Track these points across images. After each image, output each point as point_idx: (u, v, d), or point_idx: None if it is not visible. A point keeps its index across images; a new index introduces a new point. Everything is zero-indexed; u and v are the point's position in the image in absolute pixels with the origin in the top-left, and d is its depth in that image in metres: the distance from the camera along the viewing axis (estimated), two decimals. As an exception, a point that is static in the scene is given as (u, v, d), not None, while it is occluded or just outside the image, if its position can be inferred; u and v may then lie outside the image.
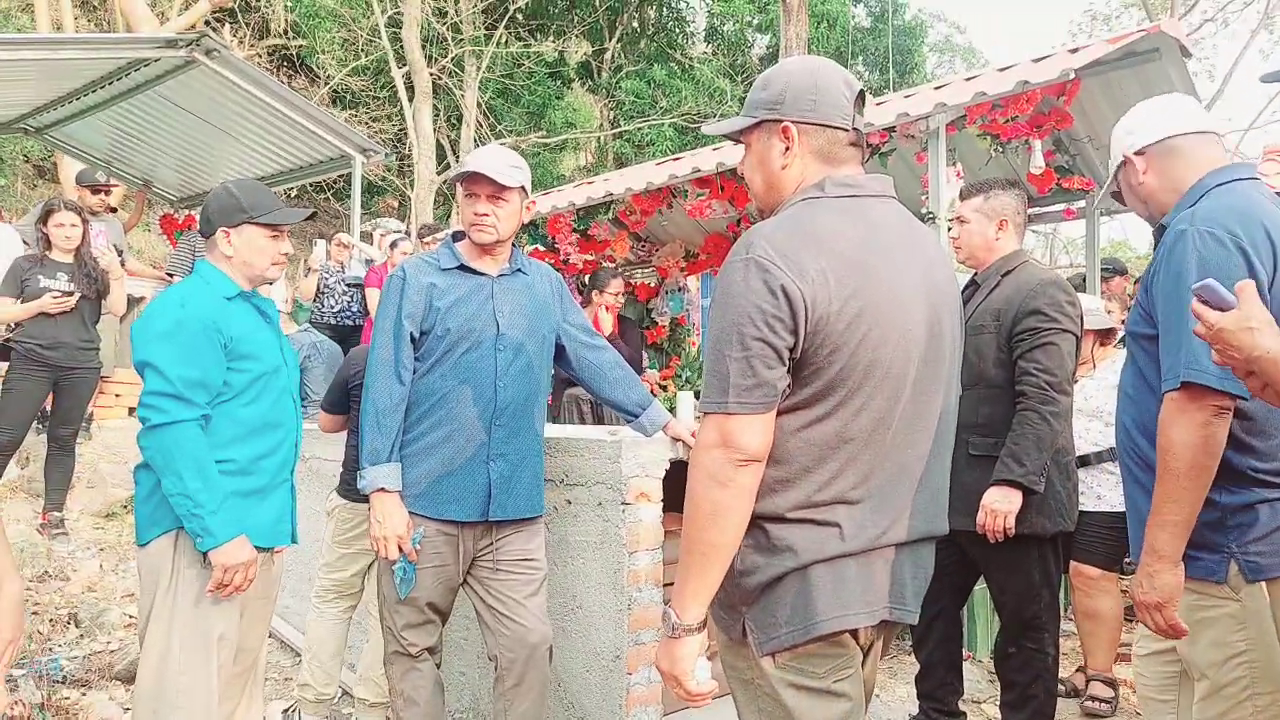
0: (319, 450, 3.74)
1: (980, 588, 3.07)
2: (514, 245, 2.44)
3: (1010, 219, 2.64)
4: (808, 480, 1.29)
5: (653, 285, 7.26)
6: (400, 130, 13.41)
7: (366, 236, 7.34)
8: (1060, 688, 2.92)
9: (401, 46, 12.52)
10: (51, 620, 3.86)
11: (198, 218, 2.43)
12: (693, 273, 6.97)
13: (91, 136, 7.33)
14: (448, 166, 13.47)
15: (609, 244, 6.32)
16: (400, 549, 2.21)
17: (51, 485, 4.75)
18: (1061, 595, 3.10)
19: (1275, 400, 1.28)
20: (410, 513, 2.23)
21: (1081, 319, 2.57)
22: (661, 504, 2.55)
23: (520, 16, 14.64)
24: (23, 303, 4.39)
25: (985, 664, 3.51)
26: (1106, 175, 1.88)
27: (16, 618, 1.51)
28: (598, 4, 15.07)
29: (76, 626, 3.84)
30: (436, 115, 13.38)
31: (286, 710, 3.19)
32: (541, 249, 6.37)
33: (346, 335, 5.92)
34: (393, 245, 5.90)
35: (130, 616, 3.92)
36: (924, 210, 4.03)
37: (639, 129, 14.34)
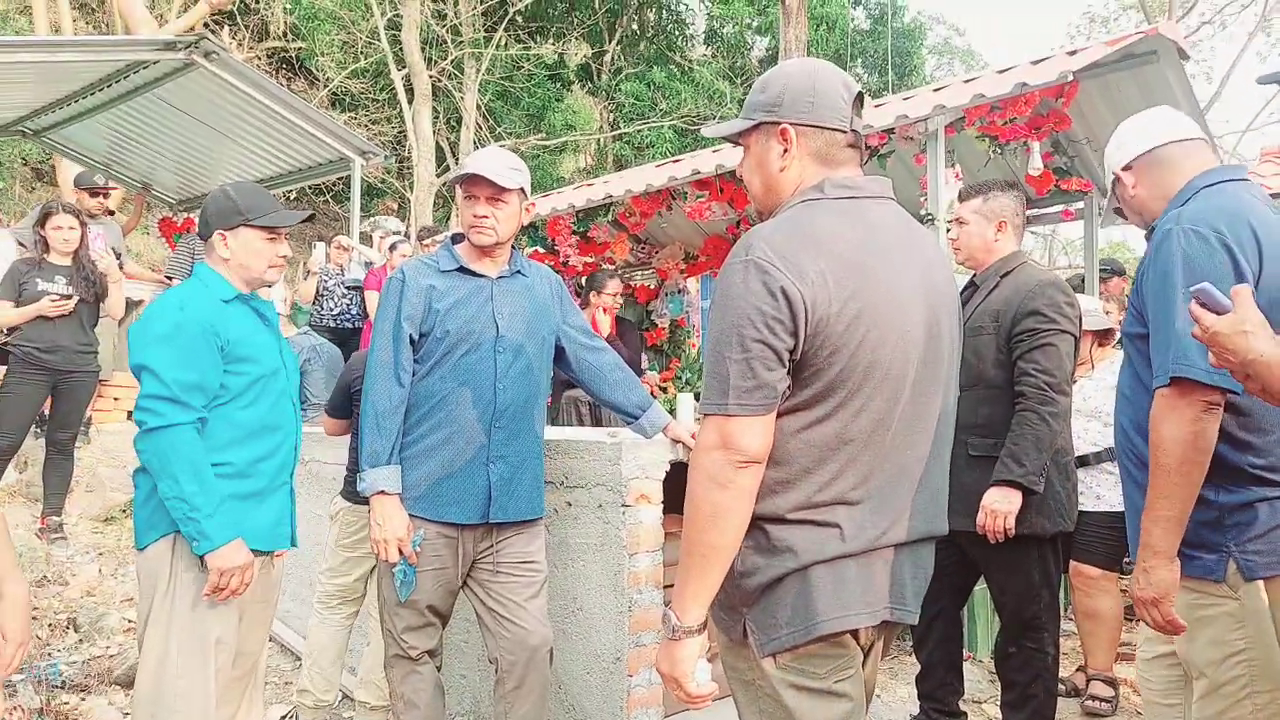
0: (318, 453, 3.74)
1: (980, 588, 3.07)
2: (513, 247, 2.44)
3: (1009, 220, 2.65)
4: (808, 481, 1.29)
5: (652, 287, 7.26)
6: (400, 133, 13.42)
7: (366, 238, 7.34)
8: (1060, 687, 2.92)
9: (401, 49, 12.52)
10: (50, 625, 3.85)
11: (196, 220, 2.43)
12: (692, 275, 6.97)
13: (90, 139, 7.32)
14: (447, 169, 13.47)
15: (608, 246, 6.32)
16: (400, 552, 2.20)
17: (50, 489, 4.74)
18: (1061, 595, 3.10)
19: (1272, 401, 1.29)
20: (410, 515, 2.23)
21: (1080, 320, 2.58)
22: (662, 506, 2.55)
23: (520, 19, 14.65)
24: (20, 306, 4.38)
25: (985, 664, 3.51)
26: (1104, 184, 1.91)
27: (24, 620, 1.51)
28: (597, 6, 15.09)
29: (75, 631, 3.83)
30: (436, 117, 13.38)
31: (285, 715, 3.19)
32: (541, 251, 6.37)
33: (346, 338, 5.92)
34: (392, 248, 5.90)
35: (129, 621, 3.92)
36: (923, 212, 4.04)
37: (638, 131, 14.35)
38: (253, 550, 2.15)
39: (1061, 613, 2.99)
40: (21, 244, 5.14)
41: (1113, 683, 3.21)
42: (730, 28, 15.91)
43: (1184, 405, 1.51)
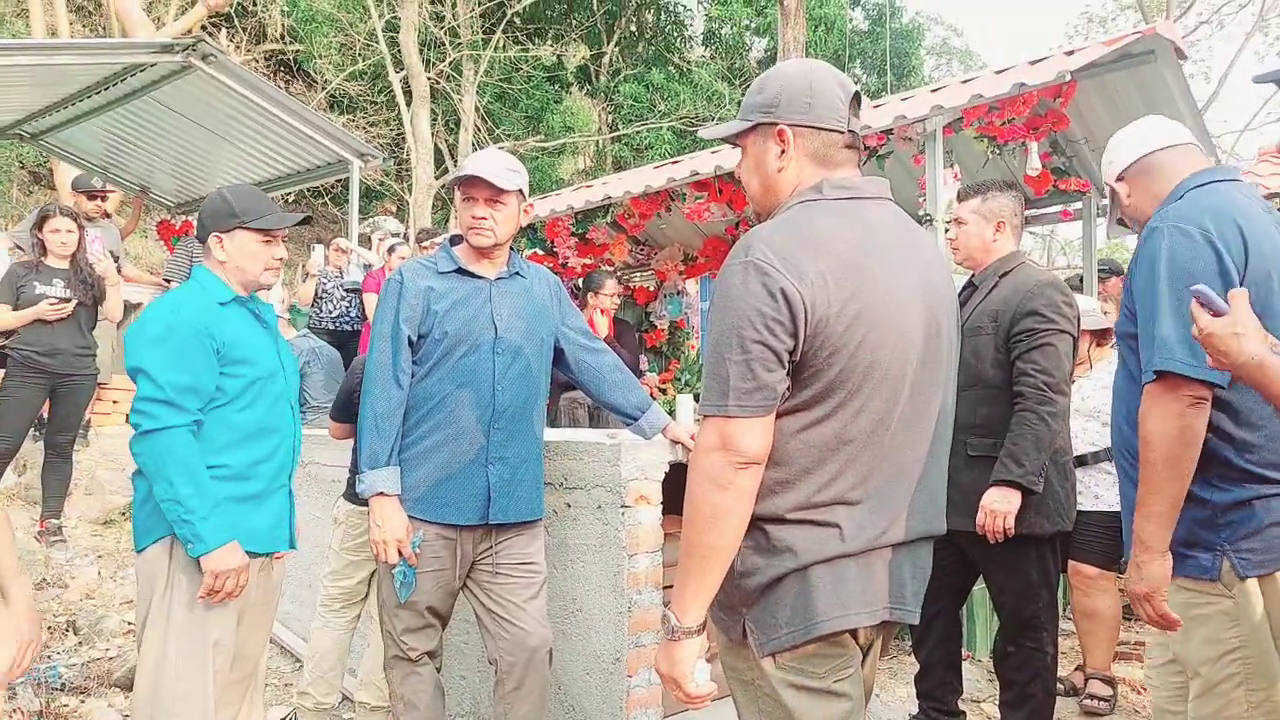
0: (318, 456, 3.74)
1: (979, 587, 3.08)
2: (512, 248, 2.45)
3: (1008, 220, 2.65)
4: (807, 481, 1.30)
5: (651, 289, 7.26)
6: (398, 135, 13.42)
7: (365, 240, 7.33)
8: (1059, 686, 2.92)
9: (399, 51, 12.52)
10: (50, 627, 3.85)
11: (194, 223, 2.43)
12: (691, 276, 6.97)
13: (87, 142, 7.32)
14: (446, 171, 13.48)
15: (607, 247, 6.32)
16: (400, 553, 2.20)
17: (49, 492, 4.73)
18: (1060, 594, 3.10)
19: (1267, 399, 1.30)
20: (409, 516, 2.23)
21: (1078, 320, 2.58)
22: (661, 506, 2.55)
23: (518, 20, 14.66)
24: (18, 309, 4.38)
25: (984, 663, 3.51)
26: (1102, 184, 1.94)
27: (33, 618, 1.51)
28: (595, 8, 15.09)
29: (75, 634, 3.83)
30: (434, 119, 13.38)
31: (285, 717, 3.18)
32: (540, 253, 6.37)
33: (345, 340, 5.92)
34: (390, 250, 5.90)
35: (129, 623, 3.91)
36: (921, 212, 4.04)
37: (637, 132, 14.35)
38: (251, 552, 2.15)
39: (1060, 612, 2.99)
40: (19, 247, 5.13)
41: (1111, 682, 3.21)
42: (728, 29, 15.93)
43: (1170, 400, 1.53)
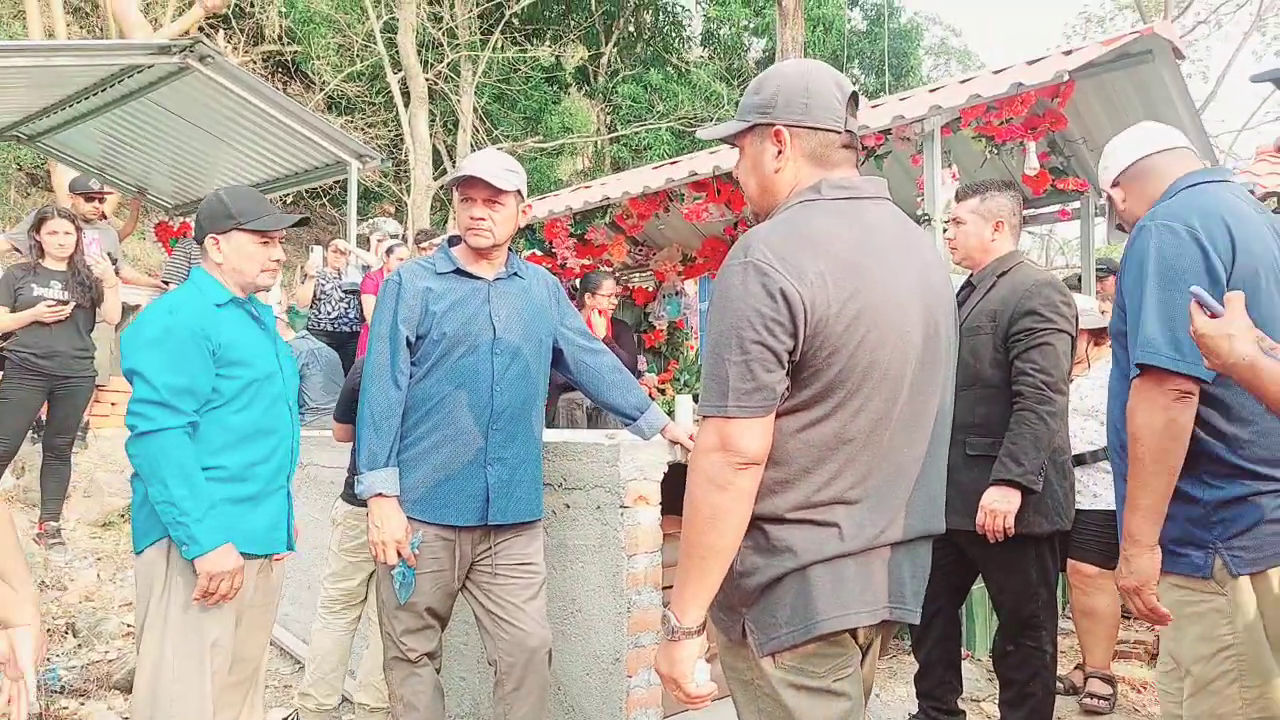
0: (317, 457, 3.74)
1: (978, 587, 3.08)
2: (510, 249, 2.45)
3: (1006, 220, 2.65)
4: (807, 481, 1.30)
5: (650, 289, 7.26)
6: (396, 135, 13.42)
7: (364, 240, 7.33)
8: (1058, 685, 2.92)
9: (397, 52, 12.52)
10: (49, 630, 3.84)
11: (192, 225, 2.43)
12: (690, 276, 6.97)
13: (85, 144, 7.31)
14: (444, 171, 13.48)
15: (606, 248, 6.32)
16: (399, 554, 2.20)
17: (47, 495, 4.73)
18: (1059, 593, 3.10)
19: (1259, 400, 1.32)
20: (408, 517, 2.23)
21: (1076, 319, 2.58)
22: (660, 507, 2.55)
23: (516, 21, 14.66)
24: (16, 311, 4.38)
25: (984, 662, 3.51)
26: (1100, 184, 1.97)
27: (39, 621, 1.51)
28: (594, 8, 15.10)
29: (74, 636, 3.83)
30: (432, 120, 13.38)
31: (286, 718, 3.18)
32: (538, 253, 6.37)
33: (343, 341, 5.91)
34: (389, 251, 5.90)
35: (128, 625, 3.91)
36: (919, 212, 4.04)
37: (636, 133, 14.36)
38: (249, 554, 2.15)
39: (1059, 611, 2.99)
40: (17, 249, 5.13)
41: (1110, 680, 3.22)
42: (727, 29, 15.94)
43: (1156, 394, 1.55)
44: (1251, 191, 5.64)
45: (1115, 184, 1.88)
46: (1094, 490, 3.22)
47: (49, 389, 4.53)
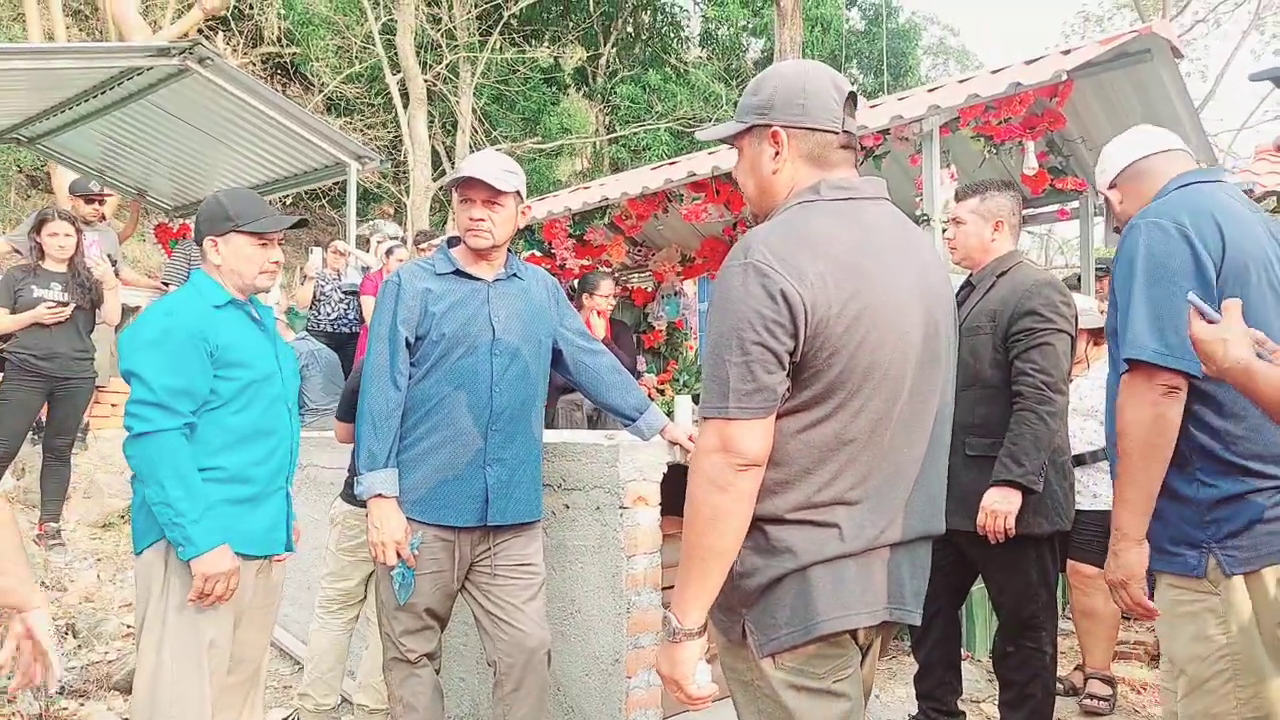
0: (316, 458, 3.74)
1: (978, 587, 3.08)
2: (509, 250, 2.45)
3: (1006, 220, 2.65)
4: (807, 482, 1.30)
5: (649, 290, 7.27)
6: (395, 137, 13.42)
7: (364, 242, 7.34)
8: (1058, 686, 2.92)
9: (396, 53, 12.53)
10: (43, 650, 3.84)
11: (192, 227, 2.43)
12: (689, 277, 6.98)
13: (85, 146, 7.32)
14: (443, 173, 13.47)
15: (605, 249, 6.33)
16: (398, 555, 2.20)
17: (47, 496, 4.73)
18: (1059, 594, 3.10)
19: (1255, 404, 1.33)
20: (408, 518, 2.23)
21: (1076, 319, 2.58)
22: (659, 508, 2.55)
23: (515, 22, 14.66)
24: (16, 313, 4.38)
25: (984, 663, 3.51)
26: (1098, 185, 2.01)
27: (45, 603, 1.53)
28: (592, 9, 15.11)
29: (74, 637, 3.83)
30: (431, 121, 13.39)
31: (287, 718, 3.18)
32: (538, 254, 6.38)
33: (343, 342, 5.92)
34: (388, 252, 5.90)
35: (128, 626, 3.91)
36: (918, 212, 4.05)
37: (634, 134, 14.37)
38: (248, 555, 2.15)
39: (1059, 612, 2.99)
40: (17, 251, 5.13)
41: (1110, 681, 3.22)
42: (725, 30, 15.95)
43: (1145, 389, 1.57)
44: (1250, 190, 5.66)
45: (1112, 185, 1.91)
46: (1094, 490, 3.22)
47: (49, 390, 4.53)
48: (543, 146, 14.13)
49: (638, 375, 5.84)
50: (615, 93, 15.08)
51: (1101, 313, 3.65)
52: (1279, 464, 1.58)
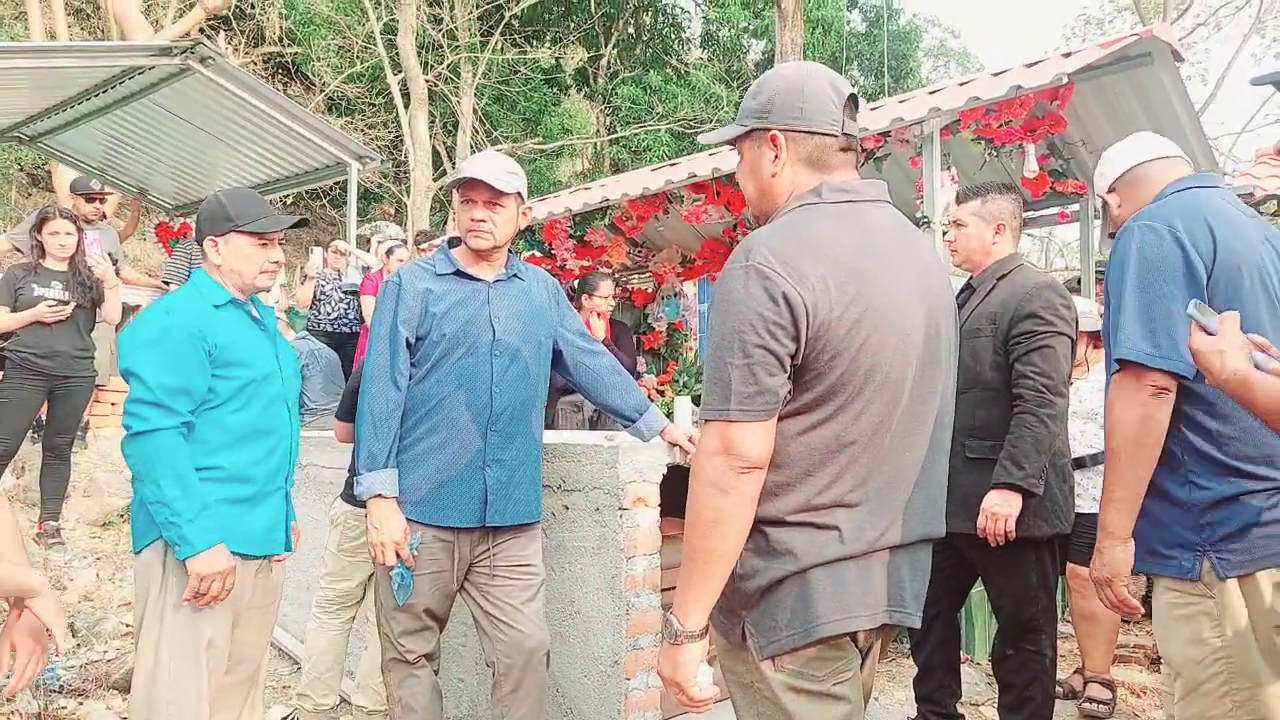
0: (316, 458, 3.73)
1: (978, 590, 3.07)
2: (510, 251, 2.45)
3: (1007, 223, 2.66)
4: (807, 484, 1.30)
5: (649, 291, 7.27)
6: (396, 137, 13.43)
7: (364, 242, 7.33)
8: (1058, 689, 2.92)
9: (397, 53, 12.53)
10: (48, 631, 3.84)
11: (193, 226, 2.44)
12: (689, 278, 6.98)
13: (86, 144, 7.32)
14: (444, 173, 13.48)
15: (605, 250, 6.33)
16: (398, 555, 2.20)
17: (47, 494, 4.73)
18: (1059, 597, 3.10)
19: (1261, 418, 1.34)
20: (407, 519, 2.23)
21: (1076, 322, 2.58)
22: (659, 509, 2.55)
23: (516, 23, 14.67)
24: (16, 311, 4.38)
25: (983, 666, 3.51)
26: (1097, 190, 2.03)
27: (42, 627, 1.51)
28: (593, 10, 15.12)
29: (73, 636, 3.83)
30: (432, 122, 13.39)
31: (287, 717, 3.18)
32: (538, 255, 6.38)
33: (343, 342, 5.92)
34: (389, 252, 5.90)
35: (127, 625, 3.91)
36: (919, 215, 4.05)
37: (635, 135, 14.37)
38: (247, 555, 2.15)
39: (1059, 615, 3.00)
40: (18, 249, 5.14)
41: (1110, 685, 3.21)
42: (726, 31, 15.95)
43: (1133, 389, 1.59)
44: (1251, 194, 5.66)
45: (1111, 189, 1.94)
46: (1093, 493, 3.21)
47: (49, 389, 4.53)
48: (543, 147, 14.14)
49: (638, 376, 5.84)
50: (616, 94, 15.09)
51: (1101, 315, 3.65)
52: (1272, 465, 1.58)
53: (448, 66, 13.13)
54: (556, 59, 15.54)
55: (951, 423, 1.47)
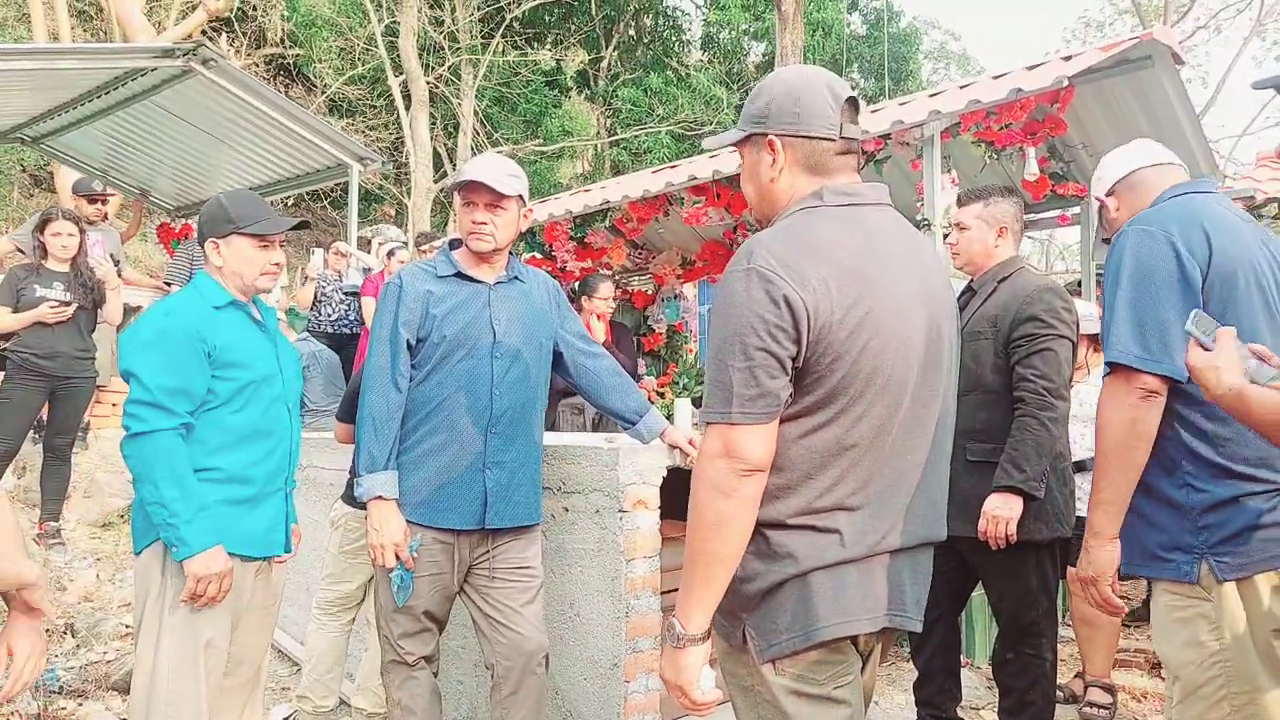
0: (316, 459, 3.74)
1: (978, 594, 3.07)
2: (511, 253, 2.45)
3: (1010, 226, 2.66)
4: (809, 487, 1.30)
5: (649, 292, 7.27)
6: (397, 138, 13.44)
7: (365, 244, 7.33)
8: (1058, 694, 2.92)
9: (398, 55, 12.55)
10: (48, 630, 3.84)
11: (194, 227, 2.44)
12: (689, 280, 6.98)
13: (88, 146, 7.32)
14: (444, 174, 13.50)
15: (606, 251, 6.33)
16: (397, 557, 2.20)
17: (47, 495, 4.73)
18: (1059, 601, 3.10)
19: (1259, 431, 1.35)
20: (407, 521, 2.23)
21: (1077, 325, 2.59)
22: (659, 511, 2.55)
23: (517, 25, 14.68)
24: (18, 312, 4.38)
25: (984, 670, 3.50)
26: (1094, 193, 2.06)
27: (39, 632, 1.51)
28: (594, 13, 15.12)
29: (73, 636, 3.83)
30: (433, 123, 13.41)
31: (288, 717, 3.18)
32: (538, 257, 6.38)
33: (344, 343, 5.91)
34: (390, 254, 5.90)
35: (127, 626, 3.91)
36: (919, 217, 4.05)
37: (636, 137, 14.38)
38: (246, 556, 2.15)
39: (1059, 619, 2.99)
40: (20, 250, 5.14)
41: (1110, 689, 3.21)
42: (727, 33, 15.96)
43: (1124, 392, 1.61)
44: (1251, 197, 5.66)
45: (1110, 193, 1.96)
46: (1094, 496, 3.21)
47: (50, 389, 4.53)
48: (544, 149, 14.15)
49: (638, 378, 5.84)
50: (616, 96, 15.09)
51: (1101, 319, 3.65)
52: (1269, 467, 1.58)
53: (449, 68, 13.14)
54: (557, 61, 15.55)
55: (953, 426, 1.47)
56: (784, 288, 1.25)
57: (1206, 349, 1.39)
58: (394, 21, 12.73)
